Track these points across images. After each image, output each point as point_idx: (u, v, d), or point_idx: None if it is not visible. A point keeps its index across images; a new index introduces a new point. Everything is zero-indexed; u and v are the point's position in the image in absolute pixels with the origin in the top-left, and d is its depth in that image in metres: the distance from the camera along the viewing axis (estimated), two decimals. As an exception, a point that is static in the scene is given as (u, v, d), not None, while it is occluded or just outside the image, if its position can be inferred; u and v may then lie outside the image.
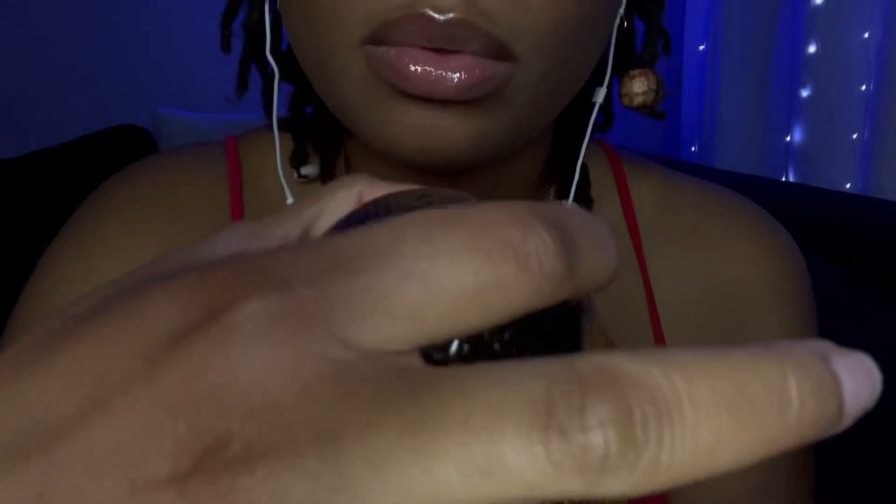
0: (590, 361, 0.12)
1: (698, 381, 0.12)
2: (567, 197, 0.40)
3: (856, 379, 0.13)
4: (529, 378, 0.11)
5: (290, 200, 0.37)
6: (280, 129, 0.39)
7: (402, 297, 0.12)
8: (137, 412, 0.11)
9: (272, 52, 0.37)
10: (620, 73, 0.38)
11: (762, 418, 0.12)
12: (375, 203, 0.18)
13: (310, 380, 0.11)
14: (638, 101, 0.36)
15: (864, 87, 1.13)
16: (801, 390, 0.12)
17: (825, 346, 0.13)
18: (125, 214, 0.40)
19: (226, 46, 0.40)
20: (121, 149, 1.88)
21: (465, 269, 0.12)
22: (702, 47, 1.56)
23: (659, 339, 0.43)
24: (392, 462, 0.11)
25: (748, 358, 0.12)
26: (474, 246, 0.12)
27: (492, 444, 0.11)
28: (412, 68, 0.28)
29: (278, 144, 0.38)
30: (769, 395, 0.12)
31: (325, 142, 0.41)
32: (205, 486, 0.11)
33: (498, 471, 0.11)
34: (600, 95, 0.37)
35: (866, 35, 1.12)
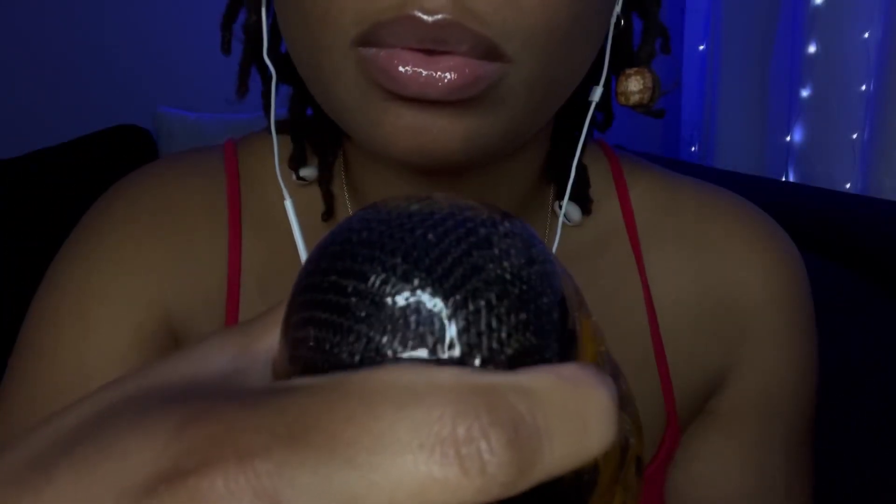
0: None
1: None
2: (564, 196, 0.40)
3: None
4: None
5: (287, 202, 0.37)
6: (280, 130, 0.39)
7: (343, 485, 0.13)
8: None
9: (271, 55, 0.37)
10: (618, 72, 0.38)
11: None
12: (376, 207, 0.18)
13: None
14: (634, 99, 0.36)
15: (864, 87, 1.13)
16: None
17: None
18: (124, 227, 0.41)
19: (226, 49, 0.40)
20: (121, 149, 1.88)
21: (405, 467, 0.13)
22: (702, 47, 1.56)
23: (656, 340, 0.43)
24: None
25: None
26: (418, 442, 0.13)
27: None
28: (402, 70, 0.27)
29: (276, 146, 0.38)
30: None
31: (323, 144, 0.41)
32: None
33: None
34: (597, 94, 0.37)
35: (866, 35, 1.12)
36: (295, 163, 0.41)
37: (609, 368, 0.20)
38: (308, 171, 0.41)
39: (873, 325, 0.75)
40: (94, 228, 0.41)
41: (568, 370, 0.14)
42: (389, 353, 0.16)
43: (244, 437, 0.13)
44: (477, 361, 0.16)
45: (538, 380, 0.14)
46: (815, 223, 0.91)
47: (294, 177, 0.41)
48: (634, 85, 0.36)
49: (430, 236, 0.17)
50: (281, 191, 0.39)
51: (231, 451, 0.13)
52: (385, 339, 0.16)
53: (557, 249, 0.40)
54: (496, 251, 0.17)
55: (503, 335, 0.16)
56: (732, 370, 0.44)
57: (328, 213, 0.41)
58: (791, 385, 0.44)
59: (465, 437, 0.13)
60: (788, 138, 1.28)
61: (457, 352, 0.16)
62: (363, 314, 0.16)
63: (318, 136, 0.41)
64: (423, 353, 0.16)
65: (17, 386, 0.39)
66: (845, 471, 0.66)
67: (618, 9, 0.35)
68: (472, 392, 0.13)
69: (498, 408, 0.13)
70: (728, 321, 0.43)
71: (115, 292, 0.39)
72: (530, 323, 0.17)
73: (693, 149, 1.63)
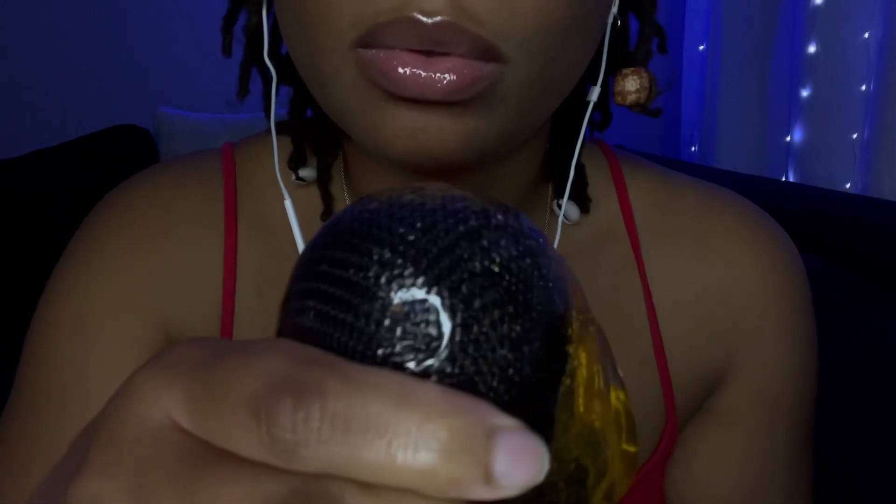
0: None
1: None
2: (563, 195, 0.40)
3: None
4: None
5: (287, 202, 0.37)
6: (279, 131, 0.39)
7: None
8: None
9: (272, 56, 0.37)
10: (615, 72, 0.38)
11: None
12: (370, 197, 0.18)
13: None
14: (631, 99, 0.36)
15: (864, 87, 1.13)
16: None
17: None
18: (119, 238, 0.41)
19: (227, 50, 0.40)
20: (121, 149, 1.88)
21: None
22: (702, 47, 1.56)
23: (656, 338, 0.43)
24: None
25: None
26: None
27: None
28: (401, 71, 0.28)
29: (276, 147, 0.38)
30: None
31: (322, 144, 0.41)
32: None
33: None
34: (594, 94, 0.37)
35: (866, 35, 1.12)
36: (294, 163, 0.41)
37: (611, 374, 0.20)
38: (307, 172, 0.41)
39: (873, 325, 0.75)
40: (90, 240, 0.41)
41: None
42: (375, 342, 0.16)
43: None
44: (467, 354, 0.16)
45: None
46: (815, 223, 0.91)
47: (293, 177, 0.41)
48: (631, 85, 0.36)
49: (419, 226, 0.17)
50: (278, 193, 0.40)
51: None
52: (370, 328, 0.16)
53: (556, 248, 0.40)
54: (485, 243, 0.17)
55: (485, 327, 0.16)
56: (732, 368, 0.44)
57: (327, 214, 0.41)
58: (791, 383, 0.44)
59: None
60: (788, 138, 1.28)
61: (442, 343, 0.16)
62: (350, 304, 0.16)
63: (317, 137, 0.41)
64: (408, 343, 0.16)
65: (23, 399, 0.40)
66: (845, 470, 0.66)
67: (614, 9, 0.35)
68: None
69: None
70: (727, 319, 0.43)
71: (114, 305, 0.40)
72: (518, 315, 0.17)
73: (693, 149, 1.63)
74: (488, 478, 0.14)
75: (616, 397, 0.20)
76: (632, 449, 0.20)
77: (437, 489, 0.14)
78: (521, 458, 0.14)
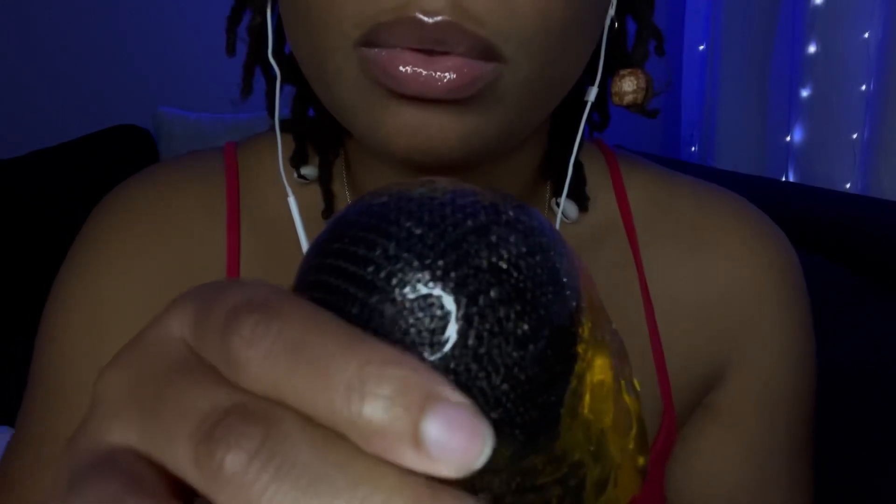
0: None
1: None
2: (562, 194, 0.40)
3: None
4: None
5: (291, 199, 0.37)
6: (282, 130, 0.40)
7: None
8: None
9: (276, 55, 0.38)
10: (613, 73, 0.38)
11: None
12: (380, 191, 0.18)
13: None
14: (628, 99, 0.37)
15: (864, 87, 1.13)
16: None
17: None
18: (125, 234, 0.41)
19: (230, 50, 0.41)
20: (121, 149, 1.88)
21: None
22: (702, 47, 1.56)
23: (654, 336, 0.43)
24: None
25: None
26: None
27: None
28: (403, 69, 0.28)
29: (280, 145, 0.39)
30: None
31: (324, 143, 0.42)
32: None
33: None
34: (592, 94, 0.38)
35: (866, 35, 1.12)
36: (296, 161, 0.42)
37: (624, 381, 0.20)
38: (309, 170, 0.42)
39: (873, 325, 0.75)
40: (97, 237, 0.42)
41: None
42: (379, 335, 0.16)
43: None
44: (471, 351, 0.16)
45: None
46: (815, 223, 0.91)
47: (295, 175, 0.41)
48: (628, 85, 0.37)
49: (426, 220, 0.17)
50: (280, 191, 0.40)
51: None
52: (374, 322, 0.16)
53: None
54: (493, 238, 0.17)
55: (491, 324, 0.16)
56: (730, 365, 0.44)
57: (328, 212, 0.41)
58: (789, 380, 0.44)
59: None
60: (788, 138, 1.28)
61: (446, 339, 0.16)
62: (356, 297, 0.16)
63: (319, 136, 0.42)
64: (412, 338, 0.16)
65: (38, 399, 0.41)
66: (845, 470, 0.66)
67: (612, 11, 0.36)
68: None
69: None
70: (724, 317, 0.43)
71: (123, 300, 0.40)
72: (525, 313, 0.16)
73: (693, 149, 1.63)
74: (417, 441, 0.14)
75: (628, 405, 0.20)
76: (641, 459, 0.20)
77: (363, 436, 0.14)
78: (456, 432, 0.14)
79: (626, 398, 0.19)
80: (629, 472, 0.19)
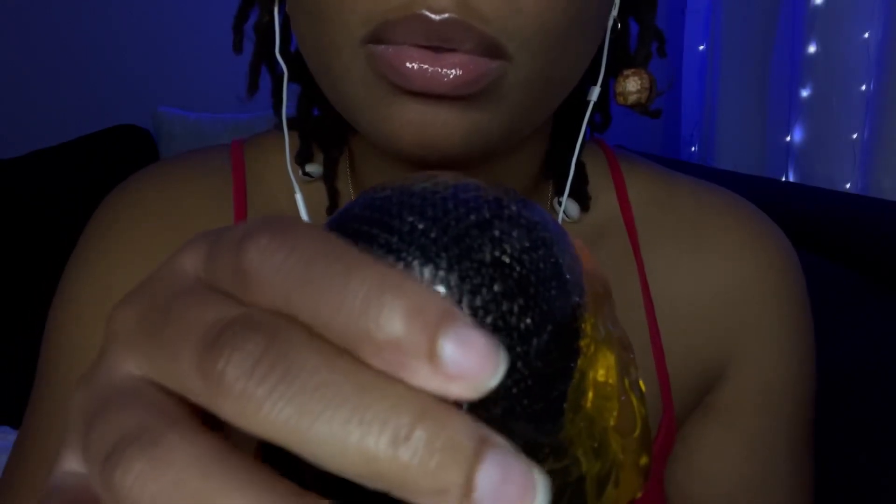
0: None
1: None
2: (563, 193, 0.40)
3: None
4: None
5: (298, 195, 0.38)
6: (288, 128, 0.40)
7: None
8: None
9: (282, 53, 0.38)
10: (615, 73, 0.39)
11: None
12: (383, 185, 0.18)
13: None
14: (632, 99, 0.37)
15: (864, 87, 1.13)
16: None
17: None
18: (130, 232, 0.41)
19: (237, 48, 0.42)
20: (121, 149, 1.88)
21: None
22: (702, 47, 1.56)
23: (654, 335, 0.43)
24: None
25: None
26: None
27: None
28: (409, 66, 0.29)
29: (287, 141, 0.39)
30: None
31: (329, 140, 0.42)
32: None
33: None
34: (595, 94, 0.38)
35: (866, 35, 1.12)
36: (301, 159, 0.42)
37: (629, 380, 0.20)
38: (314, 168, 0.42)
39: (873, 325, 0.75)
40: (104, 233, 0.42)
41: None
42: None
43: None
44: None
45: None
46: (815, 223, 0.91)
47: (300, 172, 0.42)
48: (632, 85, 0.37)
49: (429, 214, 0.17)
50: (285, 188, 0.41)
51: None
52: None
53: None
54: (496, 233, 0.17)
55: (494, 319, 0.16)
56: (730, 364, 0.44)
57: (332, 209, 0.42)
58: (789, 379, 0.45)
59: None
60: (788, 138, 1.28)
61: None
62: None
63: (324, 134, 0.42)
64: None
65: (48, 394, 0.41)
66: (845, 470, 0.66)
67: (614, 12, 0.36)
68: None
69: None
70: (724, 316, 0.44)
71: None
72: (528, 308, 0.16)
73: (693, 149, 1.63)
74: (433, 356, 0.13)
75: (633, 404, 0.20)
76: (644, 458, 0.20)
77: (377, 349, 0.14)
78: (472, 350, 0.13)
79: (632, 398, 0.19)
80: (631, 471, 0.19)
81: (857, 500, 0.65)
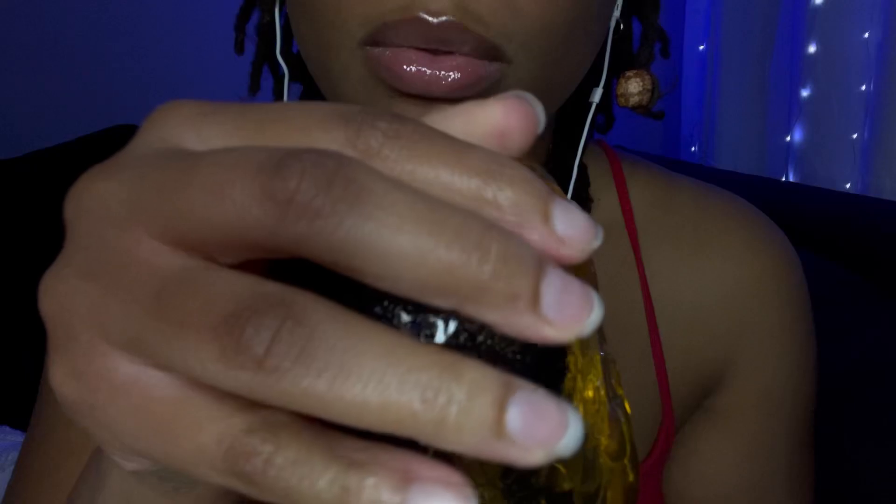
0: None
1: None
2: (566, 195, 0.40)
3: (563, 293, 0.14)
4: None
5: None
6: None
7: None
8: None
9: (283, 54, 0.38)
10: (618, 75, 0.39)
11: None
12: None
13: None
14: (634, 101, 0.37)
15: (864, 87, 1.13)
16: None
17: (553, 268, 0.15)
18: None
19: (239, 48, 0.42)
20: (121, 149, 1.88)
21: None
22: (702, 47, 1.56)
23: (654, 337, 0.43)
24: None
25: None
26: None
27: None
28: (407, 68, 0.29)
29: None
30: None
31: None
32: None
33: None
34: (597, 96, 0.38)
35: (866, 35, 1.12)
36: None
37: (615, 401, 0.20)
38: None
39: (873, 325, 0.75)
40: None
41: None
42: (378, 308, 0.16)
43: None
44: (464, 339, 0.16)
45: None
46: (815, 223, 0.91)
47: None
48: (634, 87, 0.37)
49: None
50: None
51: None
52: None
53: None
54: None
55: (484, 337, 0.16)
56: (730, 368, 0.44)
57: None
58: (790, 382, 0.44)
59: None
60: (788, 138, 1.28)
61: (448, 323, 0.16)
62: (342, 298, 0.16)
63: None
64: (407, 318, 0.16)
65: (50, 410, 0.41)
66: (845, 471, 0.66)
67: (616, 13, 0.36)
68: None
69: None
70: (725, 318, 0.43)
71: None
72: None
73: (693, 149, 1.63)
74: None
75: (620, 424, 0.20)
76: (630, 477, 0.20)
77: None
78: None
79: (619, 417, 0.19)
80: (619, 489, 0.19)
81: (857, 500, 0.65)
